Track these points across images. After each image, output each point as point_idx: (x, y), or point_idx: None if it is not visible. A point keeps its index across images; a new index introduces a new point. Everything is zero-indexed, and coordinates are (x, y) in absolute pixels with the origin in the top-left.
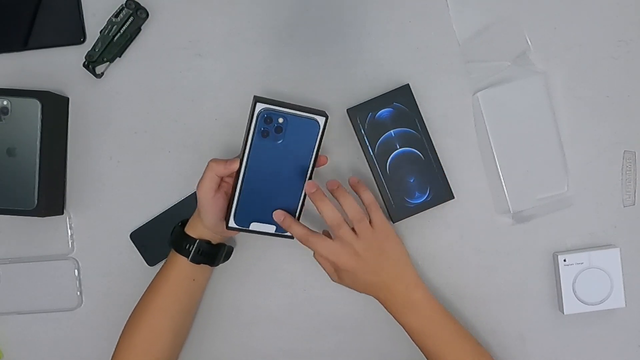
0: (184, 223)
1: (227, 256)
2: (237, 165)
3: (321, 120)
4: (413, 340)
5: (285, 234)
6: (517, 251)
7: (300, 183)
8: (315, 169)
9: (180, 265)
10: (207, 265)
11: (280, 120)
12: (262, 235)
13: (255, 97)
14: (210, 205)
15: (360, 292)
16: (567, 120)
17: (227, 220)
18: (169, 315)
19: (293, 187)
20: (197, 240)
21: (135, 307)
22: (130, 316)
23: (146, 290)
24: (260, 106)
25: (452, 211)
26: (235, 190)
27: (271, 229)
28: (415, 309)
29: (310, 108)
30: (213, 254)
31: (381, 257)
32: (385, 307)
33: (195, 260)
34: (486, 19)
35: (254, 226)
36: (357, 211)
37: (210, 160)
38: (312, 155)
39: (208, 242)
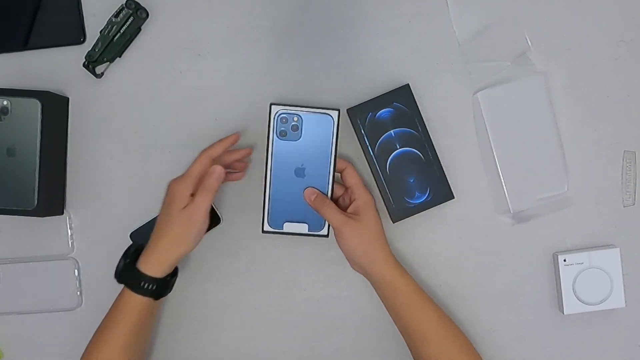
0: (130, 257)
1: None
2: (229, 140)
3: (334, 114)
4: (398, 323)
5: (319, 233)
6: (517, 251)
7: (325, 177)
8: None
9: (137, 302)
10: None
11: (295, 119)
12: (294, 236)
13: (271, 103)
14: (206, 219)
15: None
16: (567, 120)
17: (262, 224)
18: (125, 350)
19: (318, 182)
20: (158, 279)
21: (90, 342)
22: (85, 351)
23: (100, 326)
24: (275, 109)
25: (452, 211)
26: (265, 194)
27: (304, 228)
28: (399, 290)
29: (322, 107)
30: (171, 282)
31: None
32: (377, 288)
33: (156, 296)
34: (486, 19)
35: (287, 226)
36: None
37: (213, 167)
38: (331, 148)
39: (165, 276)
